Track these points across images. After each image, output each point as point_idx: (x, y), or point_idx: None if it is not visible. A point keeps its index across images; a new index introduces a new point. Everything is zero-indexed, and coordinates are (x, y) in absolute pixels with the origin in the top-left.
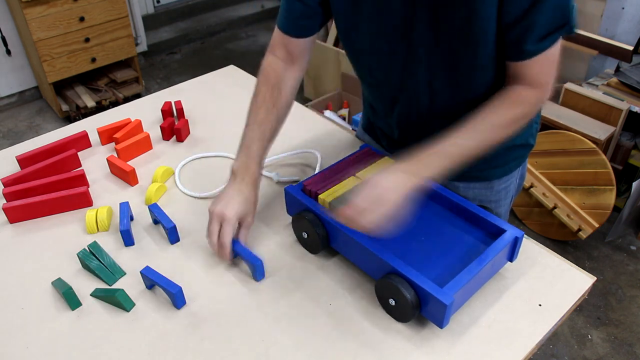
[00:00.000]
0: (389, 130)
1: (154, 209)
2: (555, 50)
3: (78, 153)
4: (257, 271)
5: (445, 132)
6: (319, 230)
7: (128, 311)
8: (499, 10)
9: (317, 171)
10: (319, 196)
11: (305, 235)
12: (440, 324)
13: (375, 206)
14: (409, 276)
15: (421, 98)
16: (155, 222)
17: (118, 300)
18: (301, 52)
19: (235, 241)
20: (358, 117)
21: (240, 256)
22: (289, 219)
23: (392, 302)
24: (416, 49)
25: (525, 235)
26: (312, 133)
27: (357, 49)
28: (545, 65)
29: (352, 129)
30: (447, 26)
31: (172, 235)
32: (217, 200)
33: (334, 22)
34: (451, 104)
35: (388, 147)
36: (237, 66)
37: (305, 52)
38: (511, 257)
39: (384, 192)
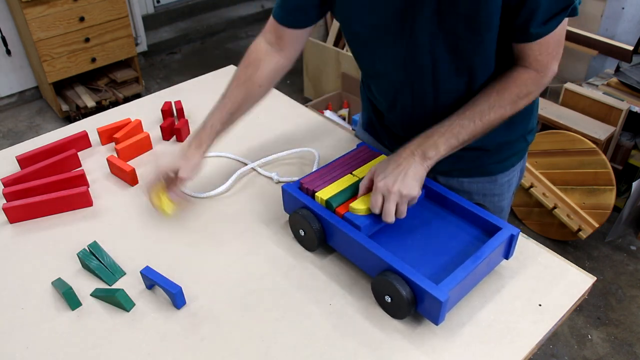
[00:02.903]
0: (392, 126)
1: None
2: (560, 31)
3: (78, 153)
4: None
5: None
6: (316, 228)
7: (128, 311)
8: None
9: (314, 169)
10: (316, 194)
11: (302, 233)
12: (436, 320)
13: (400, 185)
14: (405, 273)
15: (425, 89)
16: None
17: (118, 300)
18: (292, 42)
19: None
20: (358, 117)
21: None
22: (287, 217)
23: (388, 299)
24: (419, 37)
25: (525, 235)
26: (312, 133)
27: (359, 40)
28: (549, 46)
29: (352, 129)
30: (452, 11)
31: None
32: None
33: (333, 20)
34: (455, 96)
35: (390, 145)
36: (237, 66)
37: (297, 42)
38: (507, 254)
39: (403, 171)
